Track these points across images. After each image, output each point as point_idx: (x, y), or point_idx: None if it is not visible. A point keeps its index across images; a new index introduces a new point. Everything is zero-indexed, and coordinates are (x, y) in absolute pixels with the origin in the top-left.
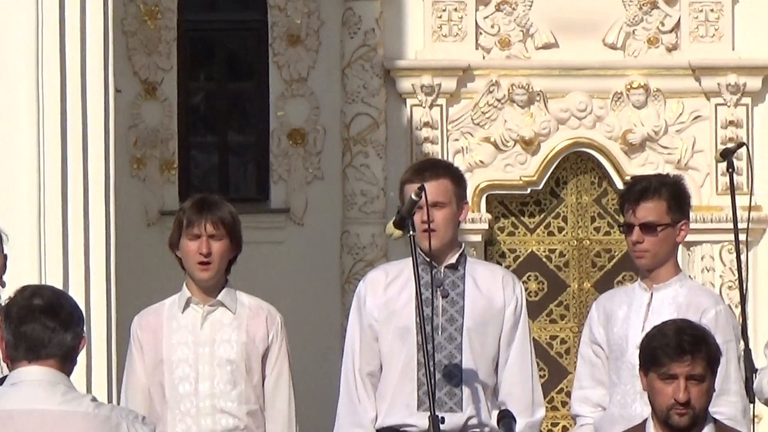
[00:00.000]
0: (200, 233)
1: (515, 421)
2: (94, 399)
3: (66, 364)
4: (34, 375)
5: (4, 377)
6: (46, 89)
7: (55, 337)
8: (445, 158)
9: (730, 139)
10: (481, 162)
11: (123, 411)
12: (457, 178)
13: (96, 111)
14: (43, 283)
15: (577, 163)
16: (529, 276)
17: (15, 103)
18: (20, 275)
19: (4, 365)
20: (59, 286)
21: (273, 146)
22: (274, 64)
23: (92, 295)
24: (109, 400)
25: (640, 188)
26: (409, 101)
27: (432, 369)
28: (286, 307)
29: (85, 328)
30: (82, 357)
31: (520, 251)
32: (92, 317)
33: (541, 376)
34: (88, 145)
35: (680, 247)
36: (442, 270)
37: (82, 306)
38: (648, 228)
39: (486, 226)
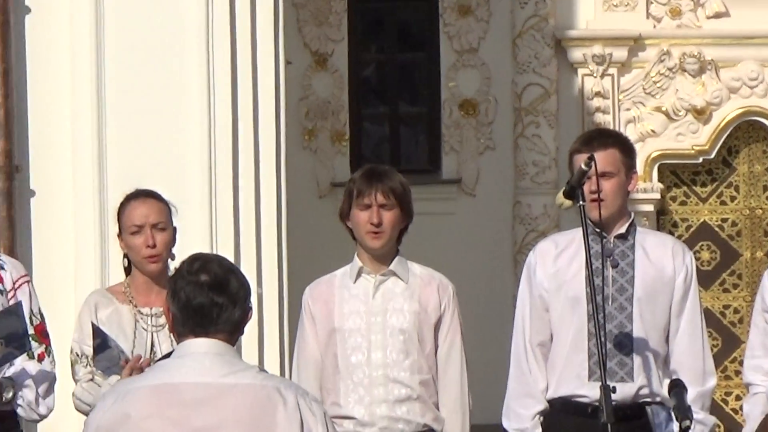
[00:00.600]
0: (371, 203)
1: (686, 390)
2: (260, 370)
3: (233, 337)
4: (201, 347)
5: (170, 353)
6: (216, 62)
7: (224, 313)
8: (617, 128)
9: None
10: (653, 131)
11: (291, 384)
12: (625, 147)
13: (267, 83)
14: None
15: (749, 131)
16: (702, 245)
17: (186, 77)
18: (192, 248)
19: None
20: (231, 258)
21: (444, 117)
22: (445, 35)
23: (264, 268)
24: (281, 373)
25: None
26: (581, 71)
27: (603, 339)
28: (458, 278)
29: (255, 301)
30: (253, 330)
31: (692, 221)
32: (264, 289)
33: (713, 346)
34: (258, 117)
35: None
36: (612, 240)
37: (253, 279)
38: None
39: (658, 195)
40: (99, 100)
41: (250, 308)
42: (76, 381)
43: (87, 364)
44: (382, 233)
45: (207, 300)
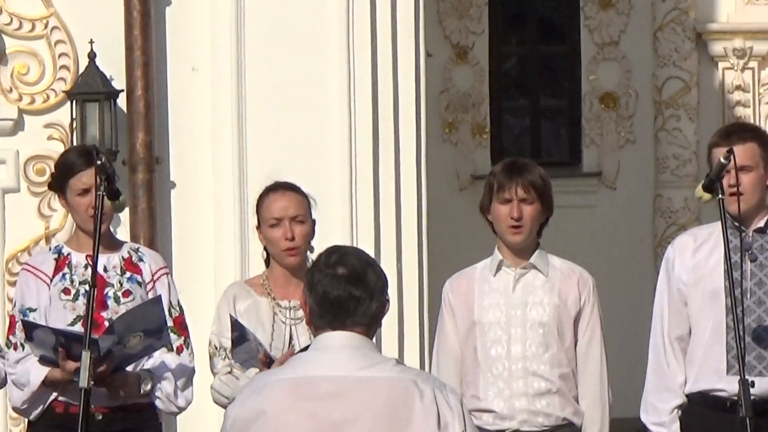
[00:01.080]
0: (511, 197)
1: None
2: (398, 363)
3: (370, 330)
4: (338, 341)
5: (306, 347)
6: (357, 54)
7: (361, 307)
8: (757, 122)
9: None
10: None
11: (428, 377)
12: (764, 141)
13: (407, 76)
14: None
15: None
16: None
17: (326, 69)
18: (332, 241)
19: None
20: (370, 251)
21: (585, 110)
22: (586, 28)
23: (404, 261)
24: (421, 366)
25: None
26: (721, 64)
27: (741, 332)
28: (598, 271)
29: (394, 294)
30: (393, 323)
31: None
32: (404, 282)
33: None
34: (399, 109)
35: None
36: (751, 234)
37: (393, 271)
38: None
39: None
40: (239, 91)
41: (388, 301)
42: (214, 374)
43: (225, 357)
44: (522, 228)
45: (344, 293)
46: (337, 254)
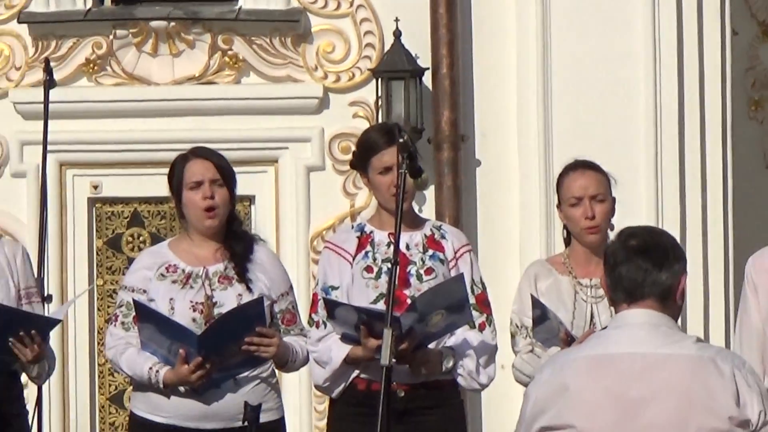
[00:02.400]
0: None
1: None
2: (698, 340)
3: (667, 304)
4: (636, 318)
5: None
6: (662, 33)
7: (649, 277)
8: None
9: None
10: None
11: (728, 354)
12: None
13: (713, 54)
14: (658, 226)
15: None
16: None
17: (631, 48)
18: (637, 220)
19: None
20: (675, 229)
21: None
22: None
23: (709, 238)
24: (726, 344)
25: None
26: None
27: None
28: None
29: (699, 272)
30: (698, 301)
31: None
32: (709, 260)
33: None
34: (704, 88)
35: None
36: None
37: (698, 249)
38: None
39: None
40: (545, 69)
41: (682, 274)
42: (515, 352)
43: (527, 336)
44: None
45: (632, 263)
46: (633, 229)
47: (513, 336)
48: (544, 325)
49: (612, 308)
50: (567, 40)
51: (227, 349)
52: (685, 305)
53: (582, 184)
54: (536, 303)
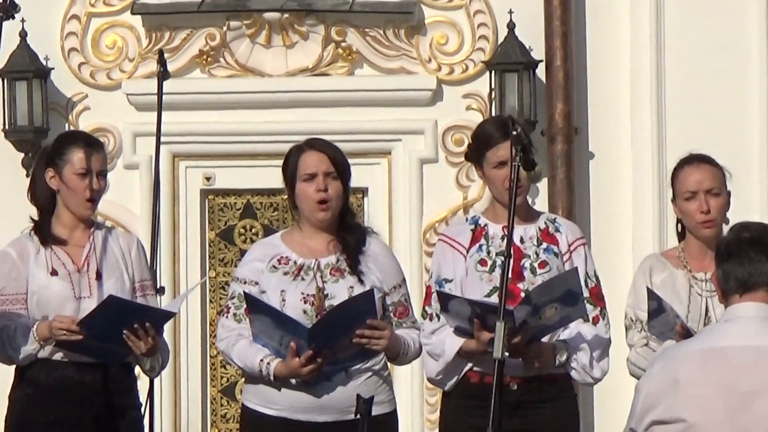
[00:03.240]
0: None
1: None
2: None
3: None
4: (747, 311)
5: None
6: None
7: (760, 268)
8: None
9: None
10: None
11: None
12: None
13: None
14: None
15: None
16: None
17: (747, 39)
18: (751, 215)
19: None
20: None
21: None
22: None
23: None
24: None
25: None
26: None
27: None
28: None
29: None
30: None
31: None
32: None
33: None
34: None
35: None
36: None
37: None
38: None
39: None
40: (658, 61)
41: None
42: (630, 346)
43: (641, 329)
44: None
45: (745, 256)
46: (746, 223)
47: (627, 330)
48: (659, 318)
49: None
50: (681, 30)
51: (338, 341)
52: None
53: (697, 179)
54: (652, 295)
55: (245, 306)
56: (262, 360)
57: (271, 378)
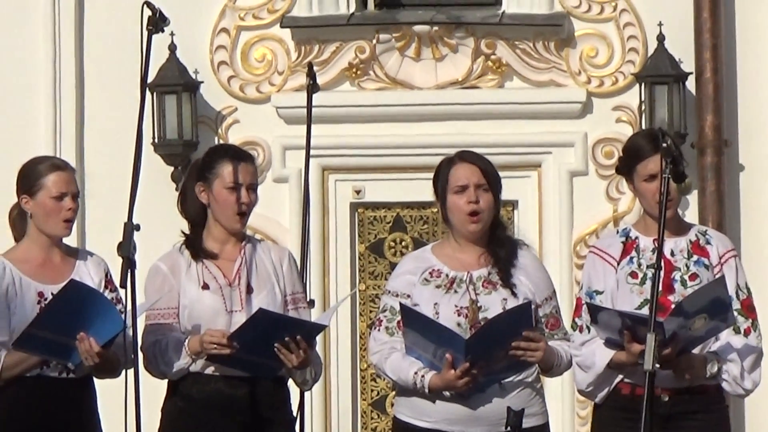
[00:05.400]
0: None
1: None
2: None
3: None
4: None
5: None
6: None
7: None
8: None
9: None
10: None
11: None
12: None
13: None
14: None
15: None
16: None
17: None
18: None
19: None
20: None
21: None
22: None
23: None
24: None
25: None
26: None
27: None
28: None
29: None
30: None
31: None
32: None
33: None
34: None
35: None
36: None
37: None
38: None
39: None
40: None
41: None
42: None
43: None
44: None
45: None
46: None
47: None
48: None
49: None
50: None
51: (493, 353)
52: None
53: None
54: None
55: (397, 319)
56: (416, 372)
57: (426, 390)
